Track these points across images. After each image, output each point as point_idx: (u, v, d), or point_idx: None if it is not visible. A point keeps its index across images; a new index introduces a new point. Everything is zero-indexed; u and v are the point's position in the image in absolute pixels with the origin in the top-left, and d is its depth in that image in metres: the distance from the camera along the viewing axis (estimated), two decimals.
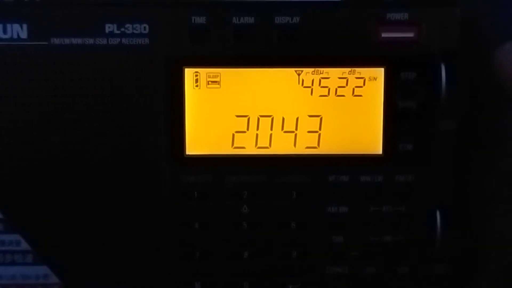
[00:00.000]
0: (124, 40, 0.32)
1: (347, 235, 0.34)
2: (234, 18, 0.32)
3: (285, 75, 0.33)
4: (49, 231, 0.34)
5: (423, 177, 0.33)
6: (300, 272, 0.34)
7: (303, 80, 0.33)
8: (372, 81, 0.33)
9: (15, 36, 0.32)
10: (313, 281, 0.34)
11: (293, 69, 0.33)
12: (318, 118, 0.33)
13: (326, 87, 0.33)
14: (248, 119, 0.33)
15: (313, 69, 0.33)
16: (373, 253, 0.34)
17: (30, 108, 0.33)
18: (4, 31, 0.32)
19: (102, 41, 0.32)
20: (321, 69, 0.33)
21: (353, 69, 0.33)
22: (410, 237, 0.34)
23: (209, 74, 0.33)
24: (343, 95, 0.33)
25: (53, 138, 0.33)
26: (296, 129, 0.34)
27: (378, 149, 0.33)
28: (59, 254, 0.34)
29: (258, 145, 0.34)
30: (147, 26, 0.32)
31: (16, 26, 0.32)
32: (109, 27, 0.32)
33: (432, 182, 0.34)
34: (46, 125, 0.33)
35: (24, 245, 0.34)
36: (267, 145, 0.34)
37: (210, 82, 0.33)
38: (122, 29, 0.32)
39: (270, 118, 0.33)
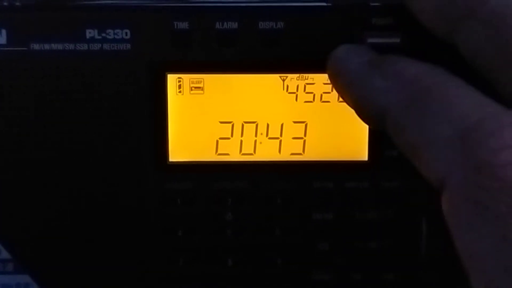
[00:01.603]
0: (106, 46, 0.32)
1: (333, 242, 0.34)
2: (217, 23, 0.32)
3: (270, 81, 0.33)
4: (29, 239, 0.33)
5: (409, 183, 0.33)
6: (285, 279, 0.34)
7: (287, 86, 0.33)
8: None
9: None
10: None
11: (277, 75, 0.33)
12: (303, 124, 0.33)
13: (311, 93, 0.33)
14: (232, 126, 0.33)
15: (297, 75, 0.33)
16: (359, 260, 0.34)
17: (9, 114, 0.32)
18: None
19: (83, 46, 0.32)
20: (306, 75, 0.33)
21: None
22: (396, 244, 0.34)
23: (192, 80, 0.33)
24: (328, 101, 0.33)
25: (33, 144, 0.32)
26: (281, 135, 0.33)
27: (364, 155, 0.33)
28: (40, 262, 0.34)
29: (243, 152, 0.33)
30: (128, 32, 0.32)
31: None
32: (90, 33, 0.32)
33: (418, 188, 0.33)
34: (26, 131, 0.32)
35: (4, 254, 0.34)
36: (252, 151, 0.33)
37: (193, 88, 0.33)
38: (103, 35, 0.32)
39: (254, 125, 0.33)
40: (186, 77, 0.32)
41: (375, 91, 0.25)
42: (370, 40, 0.32)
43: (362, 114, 0.26)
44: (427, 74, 0.24)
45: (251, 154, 0.33)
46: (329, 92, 0.33)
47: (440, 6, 0.26)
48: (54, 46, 0.32)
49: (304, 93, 0.33)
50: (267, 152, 0.33)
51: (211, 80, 0.32)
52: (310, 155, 0.33)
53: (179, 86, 0.32)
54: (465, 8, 0.24)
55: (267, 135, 0.33)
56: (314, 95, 0.33)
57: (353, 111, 0.32)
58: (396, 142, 0.24)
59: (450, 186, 0.21)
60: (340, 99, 0.33)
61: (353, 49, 0.28)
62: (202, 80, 0.32)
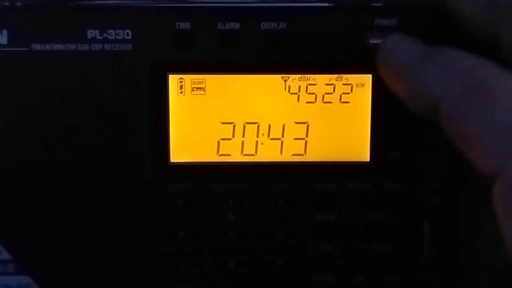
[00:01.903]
0: (107, 46, 0.32)
1: (335, 244, 0.34)
2: (219, 23, 0.32)
3: (271, 81, 0.33)
4: (30, 240, 0.33)
5: (411, 184, 0.33)
6: (287, 281, 0.34)
7: (289, 87, 0.33)
8: (360, 88, 0.33)
9: None
10: None
11: (279, 76, 0.32)
12: (305, 125, 0.33)
13: (313, 93, 0.33)
14: (234, 126, 0.33)
15: (299, 76, 0.32)
16: (361, 262, 0.34)
17: (11, 114, 0.32)
18: None
19: (84, 47, 0.32)
20: (308, 76, 0.32)
21: (340, 75, 0.32)
22: (398, 245, 0.34)
23: (194, 80, 0.32)
24: (330, 102, 0.33)
25: (34, 145, 0.32)
26: (283, 136, 0.33)
27: (366, 157, 0.33)
28: (41, 263, 0.34)
29: (244, 153, 0.33)
30: (130, 32, 0.32)
31: None
32: (91, 33, 0.32)
33: (420, 190, 0.33)
34: (27, 132, 0.32)
35: (5, 255, 0.34)
36: (253, 152, 0.33)
37: (195, 89, 0.33)
38: (105, 35, 0.32)
39: (256, 125, 0.33)
40: (188, 78, 0.32)
41: (429, 81, 0.25)
42: (372, 41, 0.32)
43: (415, 104, 0.27)
44: (480, 66, 0.25)
45: (252, 155, 0.33)
46: (331, 93, 0.33)
47: (483, 9, 0.26)
48: (55, 46, 0.32)
49: (306, 93, 0.33)
50: (268, 153, 0.33)
51: (212, 80, 0.32)
52: (312, 156, 0.33)
53: (181, 87, 0.32)
54: (507, 10, 0.25)
55: (268, 135, 0.33)
56: (316, 96, 0.33)
57: (355, 112, 0.32)
58: (447, 132, 0.25)
59: (506, 174, 0.22)
60: (343, 99, 0.33)
61: (403, 40, 0.28)
62: (203, 80, 0.32)
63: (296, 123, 0.33)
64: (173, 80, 0.32)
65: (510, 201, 0.22)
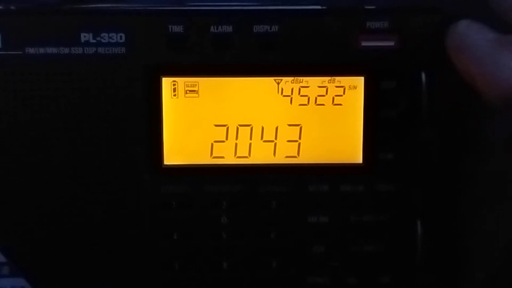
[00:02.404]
0: (100, 49, 0.32)
1: (328, 245, 0.34)
2: (212, 26, 0.32)
3: (264, 84, 0.33)
4: (25, 242, 0.33)
5: (404, 186, 0.33)
6: (281, 282, 0.34)
7: (282, 89, 0.33)
8: (352, 90, 0.33)
9: None
10: None
11: (272, 78, 0.33)
12: (298, 127, 0.33)
13: (306, 96, 0.33)
14: (227, 129, 0.33)
15: (292, 78, 0.33)
16: (354, 263, 0.34)
17: (5, 118, 0.32)
18: None
19: (78, 50, 0.32)
20: (301, 78, 0.33)
21: (333, 78, 0.33)
22: (391, 247, 0.34)
23: (187, 83, 0.33)
24: (323, 104, 0.33)
25: (29, 148, 0.33)
26: (276, 138, 0.33)
27: (359, 158, 0.33)
28: (36, 265, 0.34)
29: (238, 155, 0.33)
30: (123, 35, 0.32)
31: None
32: (84, 36, 0.32)
33: (413, 191, 0.33)
34: (21, 134, 0.32)
35: (0, 257, 0.34)
36: (247, 154, 0.33)
37: (188, 91, 0.33)
38: (98, 38, 0.32)
39: (249, 128, 0.33)
40: (181, 81, 0.32)
41: (505, 67, 0.25)
42: (365, 43, 0.32)
43: (489, 89, 0.26)
44: None
45: (246, 157, 0.33)
46: (323, 95, 0.33)
47: None
48: (49, 50, 0.32)
49: (298, 96, 0.33)
50: (262, 155, 0.33)
51: (206, 83, 0.32)
52: (305, 158, 0.33)
53: (174, 90, 0.33)
54: None
55: (262, 138, 0.33)
56: (308, 98, 0.33)
57: (348, 114, 0.32)
58: None
59: None
60: (335, 102, 0.33)
61: (476, 26, 0.28)
62: (197, 83, 0.32)
63: (289, 125, 0.33)
64: (167, 83, 0.32)
65: None
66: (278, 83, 0.33)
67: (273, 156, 0.33)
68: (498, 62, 0.26)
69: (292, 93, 0.33)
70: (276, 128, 0.33)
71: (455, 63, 0.28)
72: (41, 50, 0.32)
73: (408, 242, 0.33)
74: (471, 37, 0.28)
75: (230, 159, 0.33)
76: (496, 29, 0.28)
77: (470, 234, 0.34)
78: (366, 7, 0.32)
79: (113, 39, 0.32)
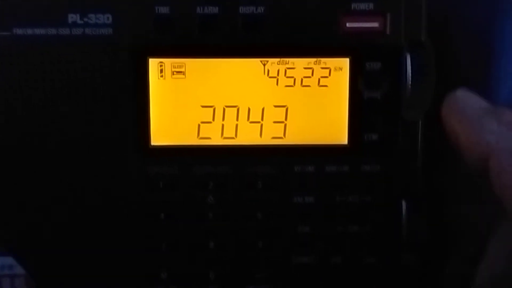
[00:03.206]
0: (87, 30, 0.32)
1: (314, 225, 0.34)
2: (198, 8, 0.32)
3: (251, 65, 0.33)
4: (13, 221, 0.34)
5: (389, 167, 0.34)
6: (267, 262, 0.34)
7: (268, 70, 0.33)
8: (338, 72, 0.33)
9: None
10: (279, 272, 0.34)
11: (258, 59, 0.33)
12: (284, 109, 0.33)
13: (292, 77, 0.33)
14: (214, 110, 0.33)
15: (278, 59, 0.33)
16: (340, 243, 0.34)
17: None
18: None
19: (65, 31, 0.32)
20: (287, 59, 0.33)
21: (318, 59, 0.33)
22: (376, 227, 0.34)
23: (174, 64, 0.33)
24: (308, 85, 0.33)
25: (16, 129, 0.33)
26: (262, 119, 0.33)
27: (344, 139, 0.33)
28: (24, 244, 0.34)
29: (224, 136, 0.34)
30: (110, 16, 0.32)
31: None
32: (72, 17, 0.32)
33: (397, 171, 0.34)
34: (9, 115, 0.33)
35: None
36: (233, 135, 0.34)
37: (175, 73, 0.33)
38: (85, 19, 0.32)
39: (235, 109, 0.33)
40: (168, 62, 0.33)
41: (488, 132, 0.27)
42: (350, 25, 0.32)
43: (469, 149, 0.28)
44: None
45: (232, 138, 0.33)
46: (309, 77, 0.33)
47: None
48: (37, 31, 0.32)
49: (284, 77, 0.33)
50: (248, 136, 0.33)
51: (192, 64, 0.33)
52: (291, 139, 0.33)
53: (161, 71, 0.33)
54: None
55: (248, 119, 0.33)
56: (294, 80, 0.33)
57: (333, 95, 0.33)
58: (493, 180, 0.27)
59: None
60: (321, 83, 0.33)
61: (471, 94, 0.30)
62: (183, 64, 0.33)
63: (275, 106, 0.33)
64: (153, 64, 0.33)
65: None
66: (264, 65, 0.33)
67: (259, 137, 0.34)
68: (484, 126, 0.28)
69: (278, 75, 0.33)
70: (263, 109, 0.33)
71: (444, 123, 0.30)
72: (29, 31, 0.32)
73: (393, 222, 0.34)
74: (465, 101, 0.29)
75: (217, 140, 0.33)
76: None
77: (455, 214, 0.34)
78: None
79: (100, 20, 0.32)
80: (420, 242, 0.34)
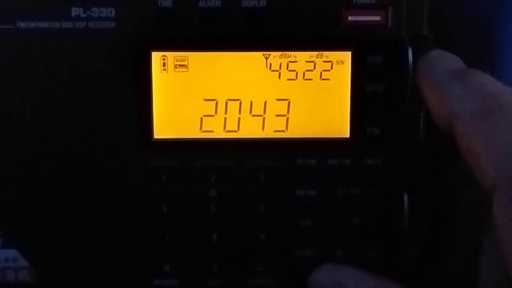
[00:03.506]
0: (91, 24, 0.32)
1: (315, 218, 0.34)
2: (200, 1, 0.32)
3: (253, 58, 0.33)
4: (17, 214, 0.34)
5: (391, 160, 0.34)
6: (269, 255, 0.34)
7: (270, 64, 0.33)
8: (340, 65, 0.33)
9: None
10: (281, 264, 0.34)
11: (260, 53, 0.33)
12: (286, 102, 0.33)
13: (294, 70, 0.33)
14: (216, 103, 0.33)
15: (280, 53, 0.33)
16: (341, 236, 0.34)
17: None
18: None
19: (69, 25, 0.32)
20: (289, 53, 0.33)
21: (320, 52, 0.33)
22: (378, 220, 0.34)
23: (177, 58, 0.33)
24: (310, 79, 0.33)
25: (19, 122, 0.33)
26: (264, 112, 0.34)
27: (346, 133, 0.34)
28: (28, 237, 0.34)
29: (227, 129, 0.34)
30: (113, 10, 0.32)
31: None
32: (75, 11, 0.32)
33: (399, 165, 0.34)
34: (12, 108, 0.33)
35: None
36: (236, 128, 0.34)
37: (177, 66, 0.33)
38: (89, 13, 0.32)
39: (238, 102, 0.33)
40: (171, 55, 0.33)
41: (454, 97, 0.28)
42: (351, 18, 0.32)
43: (436, 113, 0.29)
44: (504, 93, 0.27)
45: (235, 131, 0.34)
46: (311, 70, 0.33)
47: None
48: (40, 24, 0.32)
49: (287, 71, 0.33)
50: (250, 129, 0.34)
51: (195, 58, 0.33)
52: (293, 132, 0.34)
53: (164, 64, 0.33)
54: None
55: (250, 112, 0.33)
56: (296, 73, 0.33)
57: (335, 89, 0.33)
58: (459, 145, 0.27)
59: (501, 188, 0.25)
60: (323, 76, 0.33)
61: (443, 56, 0.30)
62: (186, 58, 0.33)
63: (278, 100, 0.33)
64: (156, 57, 0.33)
65: (506, 214, 0.25)
66: (266, 58, 0.33)
67: (261, 130, 0.34)
68: (449, 90, 0.28)
69: (280, 68, 0.33)
70: (265, 103, 0.33)
71: (417, 86, 0.31)
72: (33, 25, 0.32)
73: (394, 216, 0.34)
74: (436, 63, 0.30)
75: (219, 133, 0.34)
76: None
77: (455, 207, 0.35)
78: None
79: (103, 14, 0.32)
80: (421, 235, 0.34)
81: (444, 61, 0.30)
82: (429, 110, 0.30)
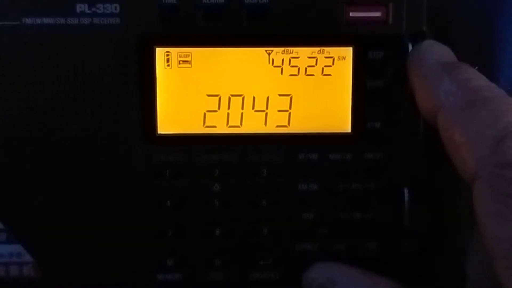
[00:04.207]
0: (95, 20, 0.33)
1: (317, 213, 0.35)
2: None
3: (256, 54, 0.33)
4: (21, 209, 0.34)
5: (391, 155, 0.34)
6: (271, 249, 0.35)
7: (273, 60, 0.34)
8: (341, 61, 0.34)
9: None
10: (284, 258, 0.35)
11: (263, 49, 0.33)
12: (288, 97, 0.34)
13: (296, 66, 0.34)
14: (219, 98, 0.34)
15: (283, 49, 0.33)
16: (342, 230, 0.35)
17: (1, 88, 0.33)
18: None
19: (73, 21, 0.33)
20: (291, 49, 0.33)
21: (322, 48, 0.33)
22: (379, 214, 0.35)
23: (180, 53, 0.33)
24: (312, 75, 0.34)
25: (24, 118, 0.33)
26: (267, 108, 0.34)
27: (347, 128, 0.34)
28: (33, 232, 0.34)
29: (229, 124, 0.34)
30: (118, 6, 0.33)
31: None
32: (80, 7, 0.32)
33: (400, 159, 0.34)
34: (17, 104, 0.33)
35: None
36: (238, 124, 0.34)
37: (181, 62, 0.33)
38: (93, 9, 0.33)
39: (241, 97, 0.34)
40: (174, 51, 0.33)
41: (440, 90, 0.29)
42: (353, 14, 0.33)
43: (421, 104, 0.30)
44: (487, 88, 0.28)
45: (237, 126, 0.34)
46: (313, 66, 0.34)
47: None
48: (46, 20, 0.32)
49: (289, 66, 0.34)
50: (253, 125, 0.34)
51: (198, 54, 0.33)
52: (295, 128, 0.34)
53: (167, 60, 0.33)
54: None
55: (253, 107, 0.34)
56: (298, 69, 0.34)
57: (337, 84, 0.33)
58: (441, 136, 0.28)
59: (481, 177, 0.26)
60: (325, 72, 0.34)
61: (435, 47, 0.31)
62: (189, 54, 0.33)
63: (280, 95, 0.34)
64: (160, 53, 0.33)
65: (485, 203, 0.26)
66: (269, 54, 0.34)
67: (264, 126, 0.34)
68: (436, 82, 0.29)
69: (282, 64, 0.34)
70: (267, 98, 0.34)
71: (407, 76, 0.31)
72: (38, 21, 0.33)
73: (395, 210, 0.34)
74: (426, 54, 0.31)
75: (222, 129, 0.34)
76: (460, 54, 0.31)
77: (455, 202, 0.35)
78: None
79: (108, 10, 0.33)
80: (421, 229, 0.35)
81: (434, 52, 0.31)
82: (416, 100, 0.30)
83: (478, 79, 0.29)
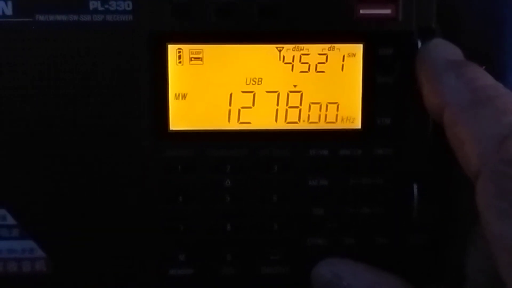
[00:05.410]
0: (108, 17, 0.33)
1: (327, 208, 0.35)
2: None
3: (267, 51, 0.34)
4: (34, 205, 0.34)
5: (401, 150, 0.34)
6: (282, 244, 0.35)
7: (284, 57, 0.34)
8: (351, 57, 0.34)
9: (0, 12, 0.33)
10: (294, 253, 0.35)
11: (274, 46, 0.34)
12: (299, 94, 0.34)
13: (307, 63, 0.34)
14: (231, 95, 0.34)
15: (293, 46, 0.34)
16: (352, 225, 0.35)
17: (14, 84, 0.33)
18: None
19: (86, 17, 0.33)
20: (302, 46, 0.34)
21: (332, 45, 0.34)
22: (388, 209, 0.35)
23: (192, 50, 0.34)
24: (323, 71, 0.34)
25: (38, 113, 0.34)
26: (278, 104, 0.34)
27: (357, 124, 0.34)
28: (45, 228, 0.35)
29: (240, 120, 0.34)
30: (130, 3, 0.33)
31: (1, 3, 0.33)
32: (93, 4, 0.33)
33: (409, 155, 0.34)
34: (30, 101, 0.33)
35: (10, 220, 0.35)
36: (249, 120, 0.34)
37: (193, 59, 0.34)
38: (106, 6, 0.33)
39: (252, 94, 0.34)
40: (186, 48, 0.34)
41: (445, 87, 0.29)
42: (363, 11, 0.33)
43: (428, 101, 0.31)
44: (494, 87, 0.28)
45: (248, 122, 0.34)
46: (323, 63, 0.34)
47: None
48: (59, 17, 0.33)
49: (299, 63, 0.34)
50: (264, 121, 0.34)
51: (210, 50, 0.34)
52: (306, 124, 0.34)
53: (179, 57, 0.34)
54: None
55: (264, 104, 0.34)
56: (309, 66, 0.34)
57: (346, 81, 0.34)
58: (447, 133, 0.29)
59: (484, 174, 0.26)
60: (335, 69, 0.34)
61: (443, 46, 0.32)
62: (201, 50, 0.34)
63: (291, 92, 0.34)
64: (172, 50, 0.33)
65: (488, 199, 0.26)
66: (279, 51, 0.34)
67: (275, 122, 0.34)
68: (443, 80, 0.30)
69: (293, 60, 0.34)
70: (278, 95, 0.34)
71: (416, 73, 0.32)
72: (51, 18, 0.33)
73: (404, 205, 0.35)
74: (435, 52, 0.31)
75: (233, 125, 0.34)
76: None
77: (464, 196, 0.35)
78: None
79: (120, 7, 0.33)
80: (430, 224, 0.35)
81: (442, 50, 0.31)
82: (423, 96, 0.31)
83: (484, 78, 0.29)
